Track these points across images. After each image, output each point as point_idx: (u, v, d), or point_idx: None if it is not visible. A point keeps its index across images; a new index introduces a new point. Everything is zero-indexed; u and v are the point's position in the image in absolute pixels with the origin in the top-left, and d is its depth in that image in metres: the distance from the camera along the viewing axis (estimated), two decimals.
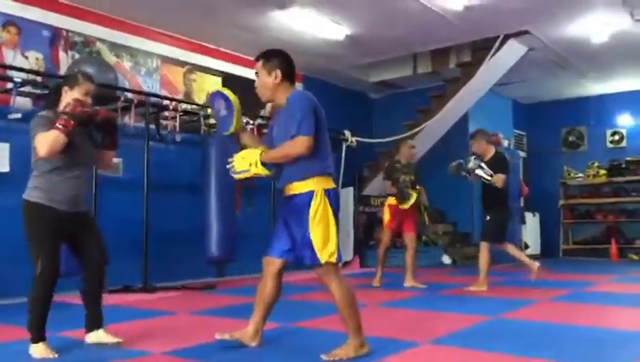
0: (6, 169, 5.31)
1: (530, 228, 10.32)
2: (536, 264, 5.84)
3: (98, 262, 3.19)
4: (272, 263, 3.00)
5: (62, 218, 3.02)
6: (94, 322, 3.20)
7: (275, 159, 2.85)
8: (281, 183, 2.93)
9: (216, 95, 3.05)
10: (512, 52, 7.76)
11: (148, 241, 5.76)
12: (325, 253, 2.78)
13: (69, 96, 3.04)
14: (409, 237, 6.19)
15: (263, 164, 2.84)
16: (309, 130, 2.74)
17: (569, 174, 10.79)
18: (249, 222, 7.00)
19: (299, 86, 8.66)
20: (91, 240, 3.18)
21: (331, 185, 2.87)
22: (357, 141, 8.38)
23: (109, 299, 5.20)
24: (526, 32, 7.26)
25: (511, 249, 5.79)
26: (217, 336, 3.08)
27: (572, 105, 10.95)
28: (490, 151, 5.71)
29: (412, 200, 6.04)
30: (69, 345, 3.29)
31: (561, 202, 10.80)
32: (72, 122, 2.88)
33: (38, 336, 3.00)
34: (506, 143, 9.89)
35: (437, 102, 8.45)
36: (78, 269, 4.31)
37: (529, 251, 10.01)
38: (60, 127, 2.86)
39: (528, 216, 10.33)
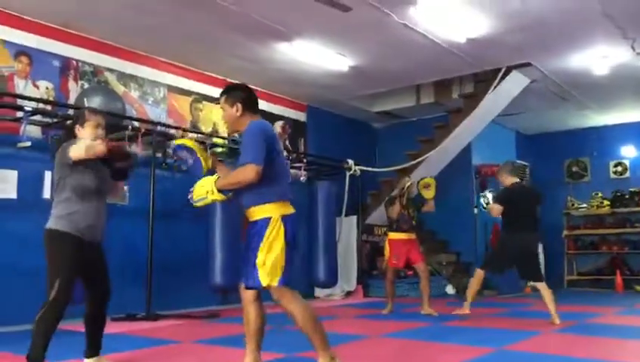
0: (13, 196, 5.37)
1: None
2: (467, 310, 5.85)
3: (105, 291, 3.27)
4: (246, 290, 3.04)
5: (84, 246, 3.13)
6: (95, 348, 3.26)
7: (228, 185, 2.93)
8: (243, 209, 3.04)
9: (177, 148, 3.23)
10: (514, 83, 7.85)
11: (152, 269, 5.77)
12: (267, 276, 2.86)
13: (83, 134, 3.21)
14: (419, 268, 6.25)
15: (220, 190, 2.92)
16: (258, 158, 2.84)
17: (573, 205, 10.80)
18: None
19: (300, 115, 8.78)
20: (101, 268, 3.27)
21: (289, 210, 2.97)
22: (360, 170, 8.44)
23: (112, 327, 5.21)
24: (528, 64, 7.36)
25: (478, 277, 5.81)
26: None
27: (575, 136, 11.02)
28: (506, 183, 5.75)
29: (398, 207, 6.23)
30: None
31: (565, 233, 10.78)
32: (110, 146, 3.09)
33: (39, 358, 3.02)
34: None
35: (440, 132, 8.52)
36: (82, 297, 4.38)
37: (532, 282, 9.96)
38: (105, 143, 3.08)
39: None
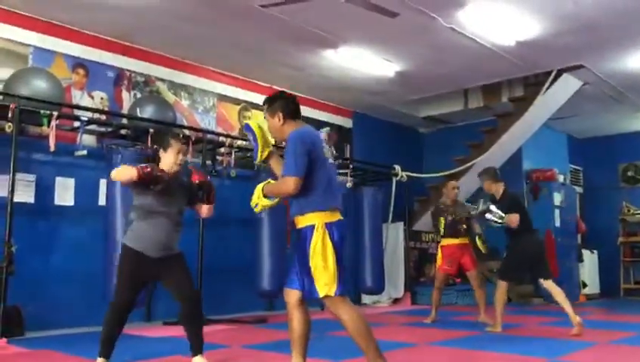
0: (71, 203, 5.58)
1: (589, 267, 9.95)
2: (498, 328, 5.40)
3: (187, 296, 3.48)
4: (291, 295, 3.05)
5: (147, 261, 3.41)
6: (195, 348, 3.50)
7: (271, 193, 3.02)
8: (290, 217, 3.07)
9: (245, 127, 3.24)
10: (566, 87, 7.65)
11: (202, 275, 5.88)
12: (323, 286, 2.86)
13: (165, 157, 3.51)
14: (471, 275, 6.16)
15: (266, 195, 3.01)
16: (297, 170, 2.87)
17: (628, 210, 10.41)
18: None
19: (346, 121, 8.79)
20: (179, 276, 3.50)
21: (334, 218, 2.94)
22: (407, 176, 8.38)
23: (163, 331, 5.35)
24: (580, 67, 7.16)
25: (502, 291, 5.45)
26: None
27: (630, 139, 10.63)
28: (500, 189, 5.50)
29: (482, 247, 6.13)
30: None
31: (621, 239, 10.40)
32: (149, 169, 3.29)
33: (100, 352, 3.39)
34: (561, 179, 9.65)
35: (489, 137, 8.38)
36: (138, 302, 4.60)
37: (587, 290, 9.66)
38: (138, 169, 3.27)
39: (586, 253, 9.98)
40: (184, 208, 3.62)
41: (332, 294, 2.85)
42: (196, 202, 3.66)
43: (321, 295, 2.86)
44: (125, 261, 3.43)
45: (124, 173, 3.32)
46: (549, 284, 5.30)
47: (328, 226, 2.90)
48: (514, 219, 5.22)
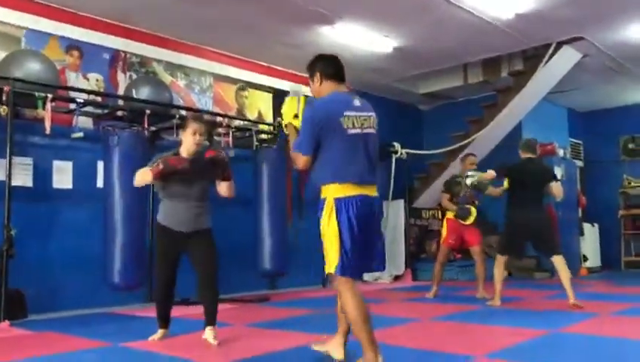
0: (69, 186, 5.57)
1: (589, 240, 9.96)
2: (497, 302, 5.40)
3: (204, 272, 3.71)
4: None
5: (176, 235, 3.69)
6: (208, 320, 3.74)
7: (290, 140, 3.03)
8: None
9: (293, 93, 3.34)
10: (565, 59, 7.57)
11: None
12: (327, 263, 2.78)
13: (184, 138, 3.72)
14: (475, 251, 6.15)
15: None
16: (304, 148, 2.82)
17: (629, 183, 10.38)
18: (300, 235, 7.07)
19: None
20: (201, 253, 3.73)
21: (346, 192, 2.76)
22: (407, 153, 8.34)
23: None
24: (580, 39, 7.07)
25: (500, 264, 5.46)
26: (314, 347, 3.20)
27: (631, 111, 10.55)
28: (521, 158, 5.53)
29: (473, 217, 6.04)
30: (128, 355, 3.40)
31: (622, 212, 10.39)
32: (162, 167, 3.54)
33: (159, 324, 3.87)
34: (561, 153, 9.60)
35: (489, 112, 8.32)
36: (136, 283, 4.76)
37: (588, 263, 9.69)
38: (152, 169, 3.57)
39: (587, 227, 9.99)
40: (207, 186, 3.78)
41: (332, 271, 2.76)
42: (215, 180, 3.79)
43: (327, 271, 2.80)
44: (159, 237, 3.80)
45: (142, 178, 3.64)
46: (557, 260, 5.20)
47: (338, 201, 2.75)
48: (488, 174, 5.37)
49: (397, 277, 8.33)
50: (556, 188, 5.45)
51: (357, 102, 2.90)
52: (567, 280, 5.12)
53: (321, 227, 2.81)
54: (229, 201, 6.69)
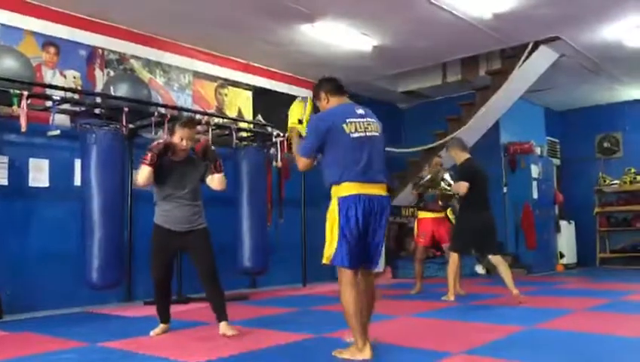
0: (46, 184, 5.49)
1: (566, 237, 10.14)
2: (451, 297, 5.55)
3: (204, 268, 3.86)
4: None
5: (172, 235, 3.83)
6: (219, 315, 3.90)
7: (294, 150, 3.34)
8: None
9: (304, 98, 3.49)
10: (542, 59, 7.67)
11: (180, 254, 5.84)
12: (325, 254, 3.09)
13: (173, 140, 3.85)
14: (446, 248, 6.25)
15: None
16: (305, 152, 3.19)
17: (605, 181, 10.57)
18: (281, 233, 7.07)
19: None
20: (198, 251, 3.88)
21: (350, 191, 3.04)
22: (386, 151, 8.36)
23: (144, 310, 5.33)
24: (557, 38, 7.17)
25: (454, 261, 5.55)
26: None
27: (606, 110, 10.74)
28: (462, 159, 5.61)
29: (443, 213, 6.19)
30: (107, 354, 3.38)
31: (597, 209, 10.58)
32: (151, 155, 3.68)
33: (160, 320, 4.02)
34: (539, 151, 9.75)
35: (467, 110, 8.40)
36: (115, 282, 4.73)
37: (564, 260, 9.85)
38: (144, 161, 3.70)
39: (563, 224, 10.16)
40: (198, 186, 3.94)
41: (326, 262, 3.08)
42: (207, 175, 3.93)
43: (323, 261, 3.12)
44: (155, 237, 3.89)
45: (141, 174, 3.72)
46: (496, 259, 5.37)
47: (343, 200, 3.03)
48: (460, 186, 5.40)
49: (377, 275, 8.35)
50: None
51: (360, 111, 3.24)
52: (508, 275, 5.29)
53: (327, 223, 3.09)
54: (208, 199, 6.68)
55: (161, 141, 3.83)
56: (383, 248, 3.24)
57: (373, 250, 3.14)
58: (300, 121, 3.33)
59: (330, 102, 3.31)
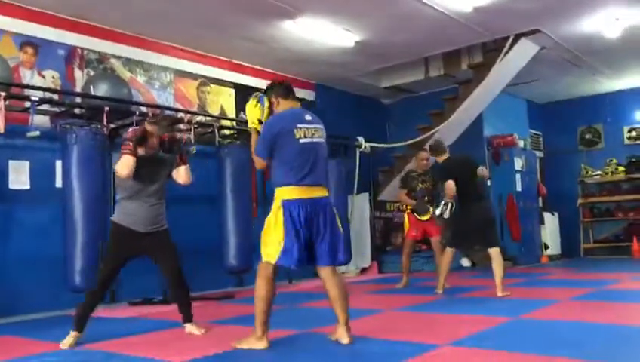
0: (27, 186, 5.42)
1: (550, 229, 10.22)
2: (440, 290, 5.55)
3: (172, 270, 3.83)
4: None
5: (135, 236, 3.69)
6: (185, 317, 3.90)
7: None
8: None
9: (260, 98, 3.53)
10: (523, 52, 7.72)
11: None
12: (264, 253, 3.27)
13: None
14: (435, 242, 6.26)
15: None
16: (260, 151, 3.33)
17: (587, 172, 10.68)
18: None
19: (309, 94, 8.73)
20: (165, 252, 3.81)
21: (294, 195, 3.20)
22: (371, 147, 8.38)
23: (129, 311, 5.28)
24: (537, 31, 7.22)
25: (447, 256, 5.52)
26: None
27: (587, 102, 10.84)
28: (442, 159, 5.62)
29: (429, 214, 6.16)
30: (90, 357, 3.34)
31: (580, 201, 10.68)
32: (130, 144, 3.56)
33: (76, 326, 3.65)
34: (522, 144, 9.82)
35: (450, 104, 8.43)
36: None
37: (549, 251, 9.93)
38: (125, 151, 3.56)
39: (547, 216, 10.24)
40: (164, 183, 3.86)
41: (272, 261, 3.24)
42: (172, 169, 3.86)
43: (262, 260, 3.29)
44: (114, 237, 3.73)
45: (125, 163, 3.54)
46: (495, 252, 5.30)
47: (286, 202, 3.19)
48: (448, 187, 5.29)
49: (363, 270, 8.38)
50: (481, 171, 5.62)
51: (308, 117, 3.37)
52: (500, 272, 5.21)
53: (266, 222, 3.26)
54: (193, 198, 6.63)
55: (137, 128, 3.75)
56: (345, 243, 3.48)
57: (328, 247, 3.27)
58: (260, 121, 3.44)
59: (280, 106, 3.42)
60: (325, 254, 3.27)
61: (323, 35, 6.82)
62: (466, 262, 8.97)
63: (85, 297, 3.74)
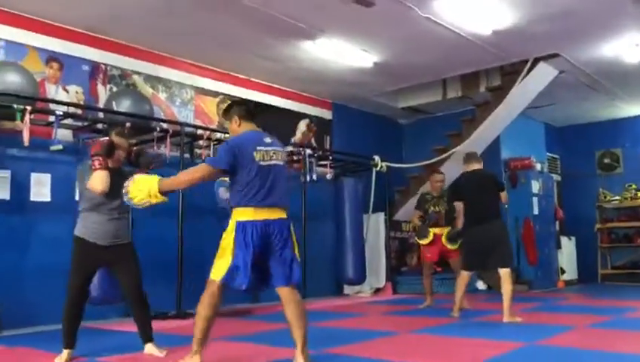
0: (48, 198, 5.50)
1: (567, 253, 10.11)
2: (455, 314, 5.48)
3: (132, 286, 3.72)
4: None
5: (97, 249, 3.63)
6: (143, 336, 3.78)
7: (178, 184, 3.30)
8: None
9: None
10: (542, 75, 7.72)
11: (182, 268, 5.84)
12: (212, 270, 3.26)
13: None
14: (454, 263, 6.24)
15: (163, 192, 3.19)
16: (214, 161, 3.29)
17: (605, 197, 10.57)
18: None
19: (326, 113, 8.79)
20: (127, 267, 3.72)
21: (249, 216, 3.19)
22: (387, 166, 8.40)
23: None
24: (556, 55, 7.22)
25: (462, 279, 5.45)
26: None
27: (606, 127, 10.77)
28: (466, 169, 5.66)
29: (429, 239, 6.25)
30: None
31: (598, 226, 10.56)
32: (101, 158, 3.52)
33: (65, 344, 3.61)
34: (539, 167, 9.76)
35: (467, 126, 8.43)
36: (114, 297, 4.59)
37: (565, 276, 9.81)
38: (97, 165, 3.52)
39: (564, 240, 10.14)
40: None
41: (217, 280, 3.22)
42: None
43: (211, 277, 3.26)
44: (76, 251, 3.66)
45: (100, 179, 3.49)
46: (505, 273, 5.17)
47: (240, 224, 3.18)
48: (457, 209, 5.44)
49: (377, 290, 8.35)
50: (503, 196, 5.53)
51: (268, 140, 3.36)
52: (508, 295, 5.10)
53: (222, 242, 3.24)
54: (208, 212, 6.68)
55: (102, 141, 3.65)
56: (298, 265, 3.31)
57: (283, 267, 3.24)
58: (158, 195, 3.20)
59: (241, 127, 3.42)
60: (281, 274, 3.24)
61: (341, 55, 6.88)
62: (481, 285, 8.90)
63: (63, 314, 3.66)
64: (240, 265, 3.15)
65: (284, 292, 3.27)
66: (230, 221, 3.24)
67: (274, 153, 3.33)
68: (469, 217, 5.41)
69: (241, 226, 3.19)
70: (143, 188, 3.17)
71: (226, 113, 3.49)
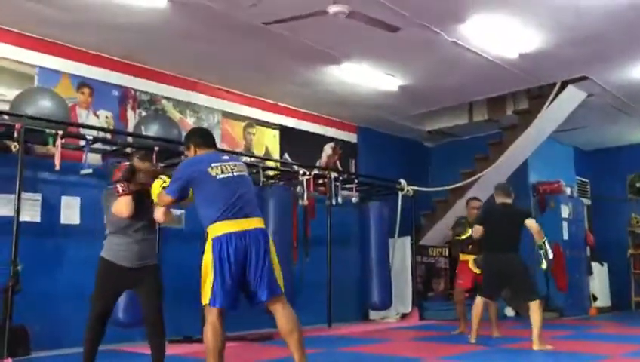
0: (77, 221, 5.59)
1: (599, 279, 9.85)
2: (472, 339, 5.39)
3: (152, 309, 3.68)
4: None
5: (122, 271, 3.63)
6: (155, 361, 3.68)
7: (158, 198, 3.47)
8: None
9: None
10: (570, 98, 7.63)
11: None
12: (202, 295, 3.19)
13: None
14: (455, 292, 6.20)
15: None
16: (170, 190, 3.34)
17: (637, 222, 10.32)
18: (306, 272, 7.03)
19: (351, 136, 8.81)
20: (149, 290, 3.69)
21: (222, 230, 3.16)
22: (413, 190, 8.35)
23: (169, 349, 5.30)
24: (585, 78, 7.14)
25: (476, 306, 5.38)
26: None
27: (636, 150, 10.56)
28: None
29: (467, 234, 6.20)
30: None
31: (631, 251, 10.29)
32: (124, 184, 3.57)
33: None
34: (568, 191, 9.59)
35: (495, 150, 8.35)
36: (140, 320, 4.58)
37: (598, 303, 9.55)
38: (120, 191, 3.56)
39: (595, 266, 9.89)
40: (152, 218, 3.74)
41: (205, 303, 3.17)
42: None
43: (202, 302, 3.19)
44: (101, 272, 3.67)
45: (124, 205, 3.54)
46: (533, 305, 5.05)
47: (216, 240, 3.16)
48: (475, 231, 5.50)
49: (404, 316, 8.23)
50: (531, 224, 5.31)
51: (225, 157, 3.45)
52: (537, 324, 4.97)
53: (202, 264, 3.20)
54: None
55: (123, 167, 3.70)
56: (276, 272, 3.26)
57: (267, 280, 3.19)
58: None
59: (197, 153, 3.48)
60: (265, 287, 3.18)
61: (367, 79, 6.92)
62: (510, 312, 8.71)
63: (84, 334, 3.69)
64: (221, 284, 3.11)
65: (274, 305, 3.25)
66: (207, 241, 3.22)
67: (234, 166, 3.35)
68: (486, 245, 5.47)
69: (217, 241, 3.16)
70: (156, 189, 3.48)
71: (185, 142, 3.58)
